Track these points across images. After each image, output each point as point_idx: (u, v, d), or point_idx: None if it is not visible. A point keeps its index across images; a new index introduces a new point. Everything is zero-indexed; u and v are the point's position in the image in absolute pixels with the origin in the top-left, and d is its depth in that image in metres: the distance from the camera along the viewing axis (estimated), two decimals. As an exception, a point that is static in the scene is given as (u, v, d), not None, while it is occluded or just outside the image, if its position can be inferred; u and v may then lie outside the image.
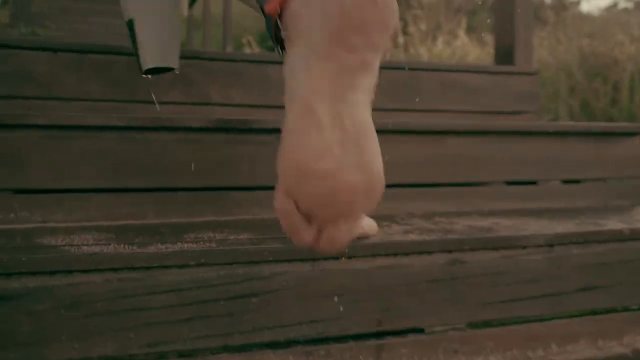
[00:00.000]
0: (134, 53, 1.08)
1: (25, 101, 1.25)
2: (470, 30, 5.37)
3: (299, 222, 0.59)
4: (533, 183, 1.27)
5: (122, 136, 0.99)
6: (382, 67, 1.54)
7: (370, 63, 0.57)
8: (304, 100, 0.56)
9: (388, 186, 1.24)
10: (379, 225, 0.94)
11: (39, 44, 1.24)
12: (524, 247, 0.83)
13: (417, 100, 1.56)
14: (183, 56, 1.22)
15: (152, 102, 1.34)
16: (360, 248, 0.75)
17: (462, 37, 4.54)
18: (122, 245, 0.71)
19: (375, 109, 1.53)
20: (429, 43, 4.63)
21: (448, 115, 1.58)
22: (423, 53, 4.17)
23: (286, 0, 0.57)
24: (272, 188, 1.12)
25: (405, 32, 4.98)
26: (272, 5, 0.57)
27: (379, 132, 1.19)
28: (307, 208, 0.57)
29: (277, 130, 1.11)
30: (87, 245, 0.72)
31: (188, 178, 1.04)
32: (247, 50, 5.40)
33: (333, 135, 0.54)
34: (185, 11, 6.01)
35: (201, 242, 0.74)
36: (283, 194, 0.60)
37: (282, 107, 1.43)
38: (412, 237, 0.80)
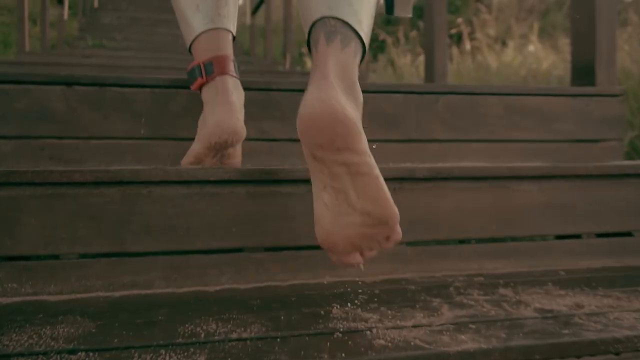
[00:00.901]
0: None
1: (39, 141, 1.13)
2: (543, 32, 5.05)
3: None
4: (627, 235, 1.05)
5: (124, 192, 0.86)
6: (440, 93, 1.35)
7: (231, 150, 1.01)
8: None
9: (444, 242, 1.06)
10: (428, 303, 0.76)
11: (52, 77, 1.13)
12: (617, 354, 0.63)
13: (479, 128, 1.36)
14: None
15: (179, 139, 1.20)
16: (395, 362, 0.58)
17: (535, 42, 4.24)
18: (91, 356, 0.56)
19: (429, 141, 1.34)
20: (497, 49, 4.34)
21: (517, 145, 1.37)
22: (492, 62, 3.89)
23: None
24: (301, 248, 0.96)
25: (472, 38, 4.71)
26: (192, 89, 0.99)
27: (431, 179, 1.01)
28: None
29: (307, 181, 0.95)
30: (47, 354, 0.57)
31: (203, 239, 0.89)
32: (307, 60, 5.26)
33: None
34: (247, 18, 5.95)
35: (191, 349, 0.59)
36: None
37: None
38: (465, 341, 0.62)
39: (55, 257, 0.84)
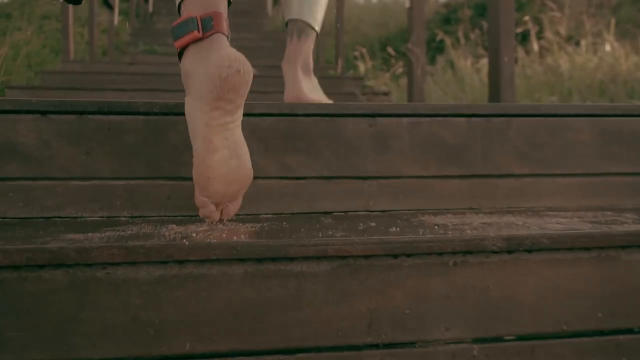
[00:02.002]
0: None
1: (7, 183, 0.91)
2: (617, 29, 4.60)
3: (211, 209, 0.83)
4: None
5: (73, 276, 0.61)
6: (512, 115, 1.05)
7: (240, 104, 0.83)
8: (203, 133, 0.80)
9: (527, 337, 0.75)
10: None
11: (21, 105, 0.90)
12: None
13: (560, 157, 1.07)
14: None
15: (178, 178, 0.96)
16: None
17: (611, 41, 3.82)
18: None
19: (500, 176, 1.03)
20: (569, 49, 3.94)
21: (614, 180, 1.07)
22: (563, 64, 3.51)
23: (185, 50, 0.84)
24: (321, 350, 0.69)
25: (539, 37, 4.31)
26: (178, 44, 0.85)
27: (508, 252, 0.72)
28: (213, 198, 0.82)
29: (326, 257, 0.69)
30: None
31: (183, 339, 0.64)
32: (360, 64, 4.98)
33: (223, 153, 0.81)
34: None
35: None
36: (199, 194, 0.82)
37: (364, 177, 0.99)
38: None
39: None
